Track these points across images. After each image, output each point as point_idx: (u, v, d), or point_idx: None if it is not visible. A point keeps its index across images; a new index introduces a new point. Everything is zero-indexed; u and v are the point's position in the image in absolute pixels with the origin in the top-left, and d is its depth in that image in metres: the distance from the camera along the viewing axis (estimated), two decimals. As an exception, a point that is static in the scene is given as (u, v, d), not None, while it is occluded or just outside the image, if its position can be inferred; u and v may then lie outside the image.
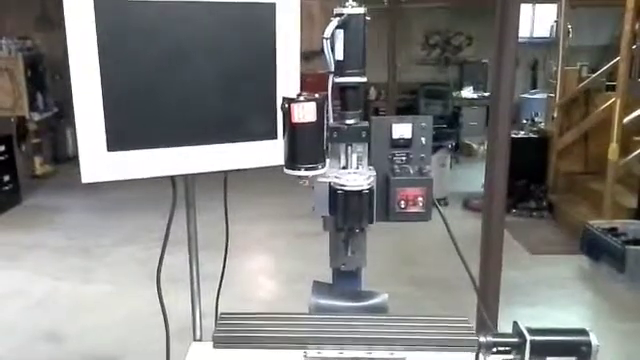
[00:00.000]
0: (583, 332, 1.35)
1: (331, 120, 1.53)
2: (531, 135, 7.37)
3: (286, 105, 1.42)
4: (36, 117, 8.01)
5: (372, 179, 1.49)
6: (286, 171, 1.47)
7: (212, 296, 2.13)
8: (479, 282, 3.08)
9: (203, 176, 1.79)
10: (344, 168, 1.56)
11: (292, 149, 1.45)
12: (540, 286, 4.80)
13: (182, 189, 1.96)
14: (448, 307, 4.07)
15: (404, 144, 1.58)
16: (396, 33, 8.82)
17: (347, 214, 1.46)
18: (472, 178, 7.47)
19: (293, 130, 1.43)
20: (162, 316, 1.94)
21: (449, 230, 1.61)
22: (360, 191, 1.45)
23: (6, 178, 6.98)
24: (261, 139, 1.81)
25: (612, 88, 6.28)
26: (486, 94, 10.06)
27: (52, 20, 8.96)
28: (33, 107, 7.93)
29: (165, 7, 1.62)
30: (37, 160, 8.40)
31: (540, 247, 5.67)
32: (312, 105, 1.41)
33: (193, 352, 1.65)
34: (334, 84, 1.51)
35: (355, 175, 1.50)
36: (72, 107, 1.57)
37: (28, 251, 5.64)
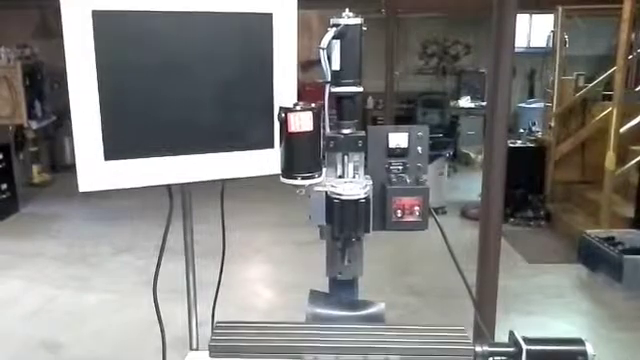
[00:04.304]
0: (579, 342, 1.35)
1: (327, 129, 1.53)
2: (528, 144, 7.38)
3: (283, 114, 1.42)
4: (34, 125, 8.01)
5: (368, 188, 1.49)
6: (283, 180, 1.48)
7: (210, 305, 2.13)
8: (476, 291, 3.09)
9: (202, 185, 1.80)
10: (340, 177, 1.57)
11: (289, 158, 1.45)
12: (537, 295, 4.80)
13: (179, 198, 1.97)
14: (447, 317, 4.07)
15: (400, 153, 1.58)
16: (394, 43, 8.87)
17: (343, 223, 1.46)
18: (470, 187, 7.49)
19: (290, 139, 1.44)
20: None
21: (445, 239, 1.61)
22: (356, 200, 1.45)
23: (4, 186, 6.98)
24: (258, 148, 1.81)
25: (609, 97, 6.31)
26: (483, 103, 10.09)
27: (51, 29, 8.98)
28: (31, 115, 7.92)
29: (162, 17, 1.63)
30: (35, 168, 8.40)
31: (537, 256, 5.68)
32: (308, 114, 1.42)
33: (189, 361, 1.65)
34: (331, 94, 1.52)
35: (351, 184, 1.50)
36: (70, 116, 1.58)
37: (26, 259, 5.62)
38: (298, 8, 1.80)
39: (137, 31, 1.61)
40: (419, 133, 1.60)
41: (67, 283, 5.07)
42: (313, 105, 1.44)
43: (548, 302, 4.67)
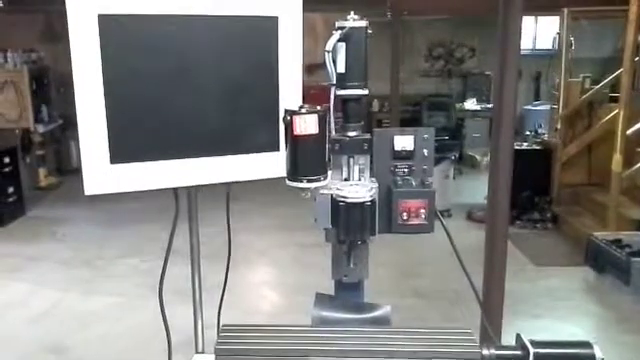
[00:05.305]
0: (587, 345, 1.34)
1: (333, 132, 1.53)
2: (534, 147, 7.36)
3: (288, 117, 1.42)
4: (41, 129, 8.05)
5: (374, 191, 1.48)
6: (288, 183, 1.47)
7: (215, 308, 2.13)
8: (483, 294, 3.07)
9: (209, 187, 1.80)
10: (346, 180, 1.56)
11: (294, 161, 1.45)
12: (544, 298, 4.77)
13: (185, 201, 1.97)
14: (453, 319, 4.06)
15: (406, 156, 1.58)
16: (399, 45, 8.85)
17: (349, 226, 1.45)
18: (476, 190, 7.46)
19: (295, 142, 1.43)
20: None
21: (452, 241, 1.61)
22: (362, 203, 1.45)
23: (10, 190, 7.00)
24: (263, 151, 1.81)
25: (615, 100, 6.29)
26: (489, 106, 10.06)
27: (57, 33, 9.02)
28: (38, 119, 7.97)
29: (168, 21, 1.63)
30: (41, 172, 8.43)
31: (544, 259, 5.65)
32: (314, 117, 1.42)
33: (195, 364, 1.65)
34: (336, 96, 1.51)
35: (357, 187, 1.50)
36: (76, 119, 1.58)
37: (32, 262, 5.64)
38: (303, 11, 1.80)
39: (143, 35, 1.61)
40: (425, 135, 1.59)
41: (72, 286, 5.08)
42: (319, 108, 1.44)
43: (555, 305, 4.65)
